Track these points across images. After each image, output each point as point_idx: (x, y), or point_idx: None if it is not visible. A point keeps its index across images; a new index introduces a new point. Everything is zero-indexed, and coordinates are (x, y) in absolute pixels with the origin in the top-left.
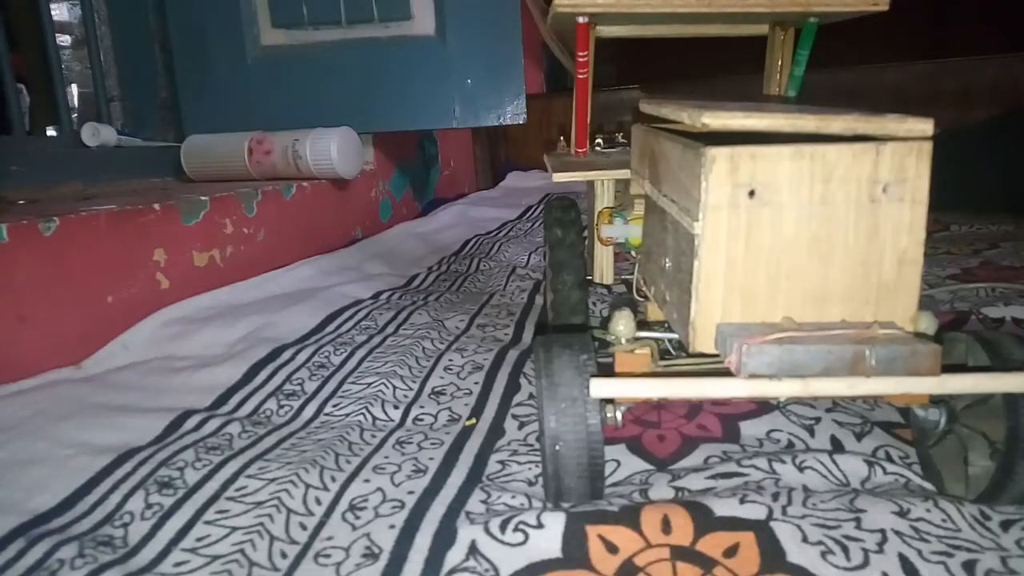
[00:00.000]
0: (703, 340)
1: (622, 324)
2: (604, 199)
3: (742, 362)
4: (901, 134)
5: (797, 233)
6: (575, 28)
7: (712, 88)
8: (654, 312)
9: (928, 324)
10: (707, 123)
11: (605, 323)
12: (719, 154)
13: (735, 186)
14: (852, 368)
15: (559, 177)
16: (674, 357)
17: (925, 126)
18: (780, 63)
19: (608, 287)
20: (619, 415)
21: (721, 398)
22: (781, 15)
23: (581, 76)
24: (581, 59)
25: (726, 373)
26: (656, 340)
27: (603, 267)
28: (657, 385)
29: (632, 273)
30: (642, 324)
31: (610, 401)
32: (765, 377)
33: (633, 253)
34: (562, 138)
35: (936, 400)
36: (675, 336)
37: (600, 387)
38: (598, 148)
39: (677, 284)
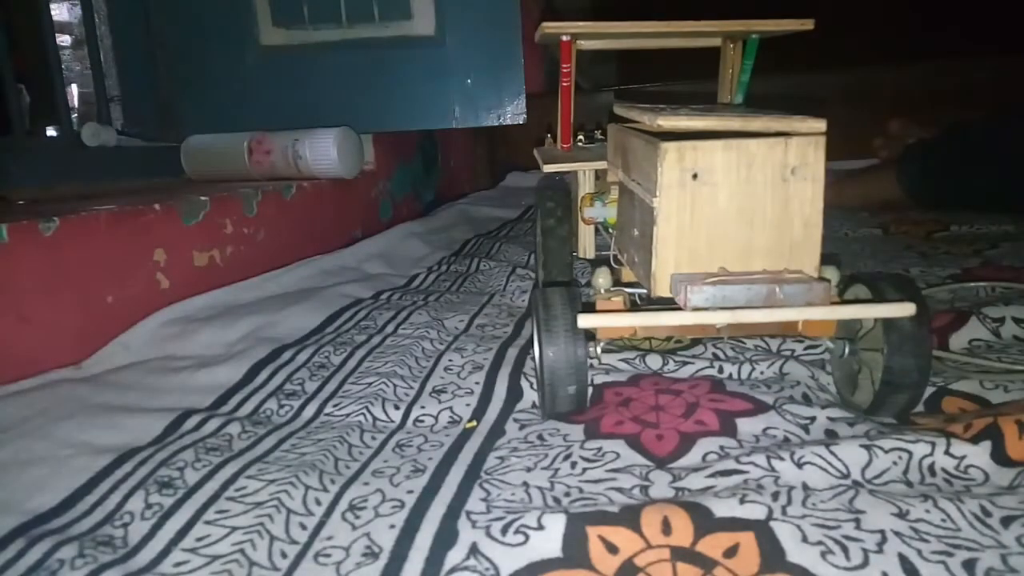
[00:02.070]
0: (662, 287)
1: (602, 278)
2: (586, 186)
3: (688, 298)
4: (803, 130)
5: (729, 205)
6: (560, 44)
7: (696, 87)
8: (627, 276)
9: (831, 274)
10: (661, 125)
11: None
12: (670, 147)
13: (682, 171)
14: (767, 300)
15: (548, 168)
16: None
17: (820, 124)
18: (731, 71)
19: (590, 262)
20: (599, 349)
21: (671, 325)
22: (729, 32)
23: (565, 84)
24: (565, 70)
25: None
26: (628, 293)
27: (586, 243)
28: (628, 317)
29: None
30: (617, 284)
31: (592, 338)
32: (704, 309)
33: (610, 230)
34: (549, 135)
35: (840, 336)
36: (642, 291)
37: (585, 320)
38: (580, 143)
39: (642, 247)
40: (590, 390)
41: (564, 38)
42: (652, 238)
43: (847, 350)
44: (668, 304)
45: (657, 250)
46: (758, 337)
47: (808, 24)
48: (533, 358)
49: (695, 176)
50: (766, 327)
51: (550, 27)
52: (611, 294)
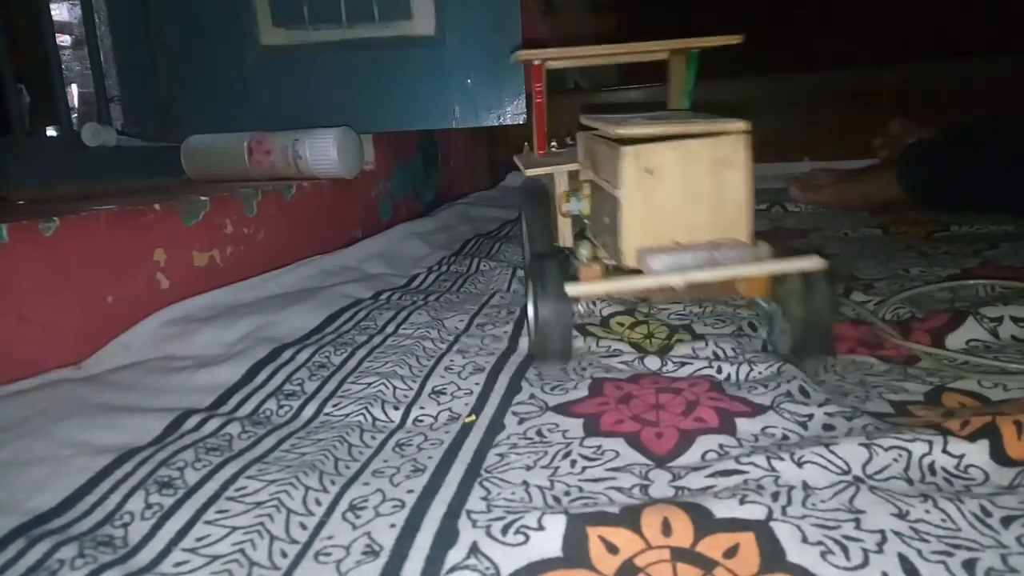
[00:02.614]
0: (628, 259)
1: (584, 249)
2: (562, 185)
3: (649, 266)
4: (730, 130)
5: (676, 192)
6: (532, 68)
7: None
8: (602, 255)
9: (763, 247)
10: (620, 133)
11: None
12: (629, 151)
13: (639, 168)
14: (708, 263)
15: (530, 172)
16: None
17: (744, 125)
18: (678, 81)
19: (569, 250)
20: (580, 308)
21: (639, 288)
22: (672, 48)
23: (538, 100)
24: (537, 89)
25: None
26: (604, 263)
27: (564, 234)
28: (605, 285)
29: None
30: (594, 258)
31: (576, 300)
32: (662, 274)
33: (586, 221)
34: (526, 143)
35: (772, 297)
36: (614, 263)
37: (572, 289)
38: (553, 149)
39: (612, 230)
40: (589, 380)
41: (536, 62)
42: (619, 222)
43: (777, 308)
44: (635, 272)
45: (623, 231)
46: (758, 346)
47: (736, 39)
48: (527, 314)
49: (649, 171)
50: (712, 287)
51: (523, 55)
52: (591, 263)
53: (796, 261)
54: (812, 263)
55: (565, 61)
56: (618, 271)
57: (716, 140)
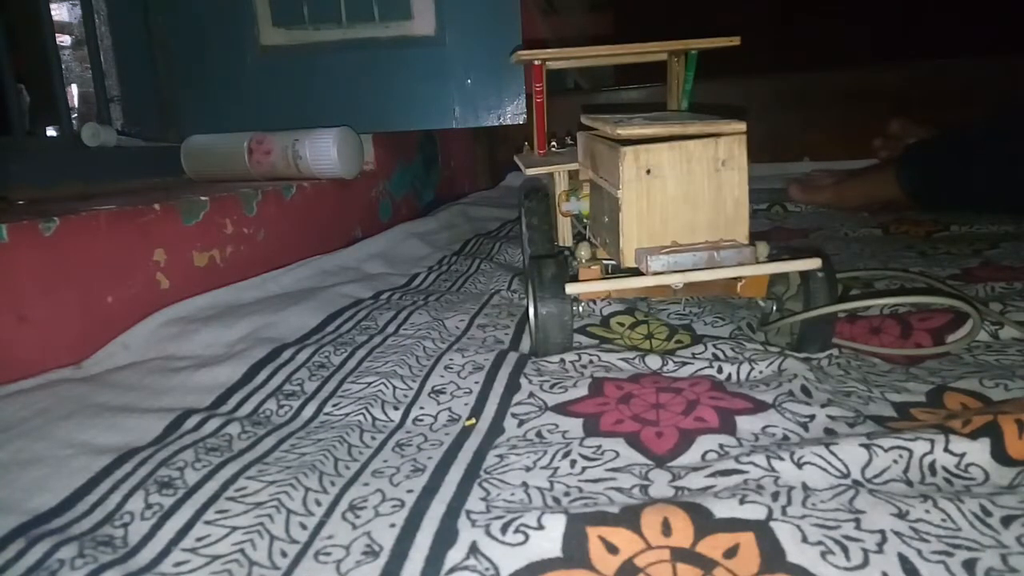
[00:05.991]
0: (628, 259)
1: (583, 250)
2: (561, 184)
3: (649, 266)
4: (729, 131)
5: (676, 192)
6: (533, 67)
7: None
8: (602, 253)
9: (761, 247)
10: (620, 133)
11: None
12: (629, 151)
13: (638, 168)
14: (708, 263)
15: (530, 172)
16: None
17: (741, 126)
18: (677, 82)
19: (569, 248)
20: (580, 308)
21: (638, 288)
22: (672, 49)
23: (538, 100)
24: (537, 88)
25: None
26: (603, 263)
27: (564, 233)
28: (604, 284)
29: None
30: (594, 258)
31: (576, 300)
32: (662, 273)
33: (585, 220)
34: (526, 143)
35: (770, 297)
36: (613, 263)
37: (572, 288)
38: (553, 148)
39: (611, 230)
40: (589, 379)
41: (536, 62)
42: (619, 222)
43: (775, 308)
44: (634, 272)
45: (623, 231)
46: (758, 343)
47: (735, 41)
48: (528, 314)
49: (648, 171)
50: (711, 287)
51: (523, 55)
52: (591, 263)
53: (796, 262)
54: (810, 264)
55: (565, 61)
56: (617, 270)
57: (715, 141)
